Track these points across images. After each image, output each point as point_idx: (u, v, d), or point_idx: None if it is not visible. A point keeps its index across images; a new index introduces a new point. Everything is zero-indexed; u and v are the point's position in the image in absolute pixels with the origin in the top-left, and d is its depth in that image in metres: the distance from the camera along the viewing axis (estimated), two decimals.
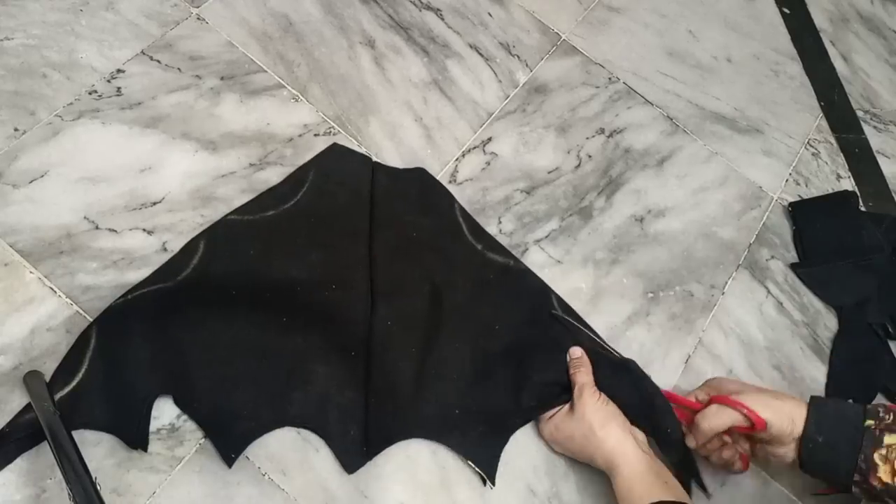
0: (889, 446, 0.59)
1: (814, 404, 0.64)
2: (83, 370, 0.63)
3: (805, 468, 0.65)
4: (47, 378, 0.62)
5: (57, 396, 0.61)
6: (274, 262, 0.72)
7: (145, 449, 0.62)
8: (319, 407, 0.67)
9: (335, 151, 0.81)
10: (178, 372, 0.65)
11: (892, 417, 0.61)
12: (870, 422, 0.61)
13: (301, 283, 0.72)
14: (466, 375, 0.72)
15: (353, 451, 0.66)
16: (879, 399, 0.83)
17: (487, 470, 0.68)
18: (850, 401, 0.65)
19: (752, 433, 0.66)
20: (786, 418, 0.63)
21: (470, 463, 0.69)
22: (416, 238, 0.78)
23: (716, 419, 0.65)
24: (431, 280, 0.76)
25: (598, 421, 0.66)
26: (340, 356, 0.69)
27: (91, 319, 0.66)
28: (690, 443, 0.69)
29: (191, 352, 0.66)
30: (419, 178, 0.82)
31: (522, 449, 0.71)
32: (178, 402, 0.64)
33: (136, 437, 0.62)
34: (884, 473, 0.59)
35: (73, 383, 0.62)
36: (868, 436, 0.60)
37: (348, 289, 0.72)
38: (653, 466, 0.64)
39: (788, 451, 0.65)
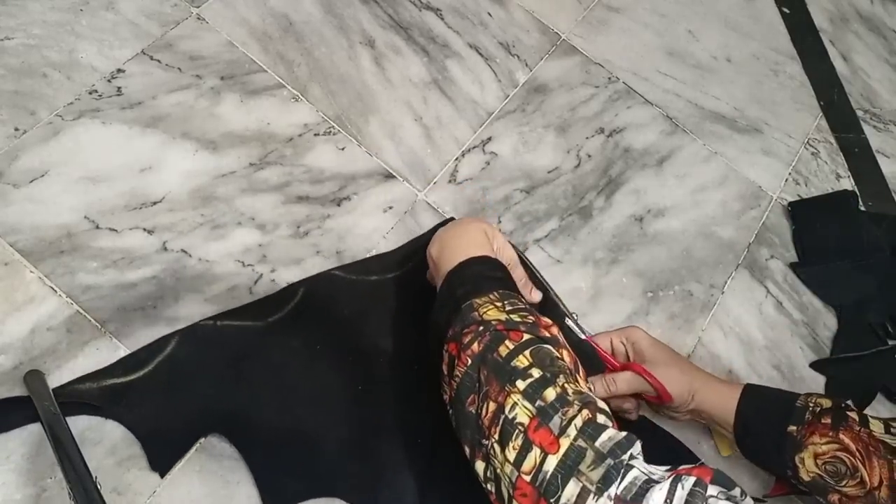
0: (806, 446, 0.63)
1: (742, 402, 0.67)
2: (145, 371, 0.64)
3: (748, 458, 0.69)
4: (58, 375, 0.62)
5: (108, 382, 0.62)
6: (365, 327, 0.71)
7: (163, 475, 0.61)
8: (372, 485, 0.65)
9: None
10: (245, 414, 0.65)
11: (811, 416, 0.64)
12: (792, 427, 0.64)
13: (386, 355, 0.71)
14: None
15: None
16: (879, 399, 0.84)
17: None
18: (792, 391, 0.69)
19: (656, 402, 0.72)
20: (686, 394, 0.68)
21: None
22: None
23: (628, 385, 0.69)
24: None
25: None
26: (406, 439, 0.68)
27: (91, 319, 0.66)
28: (601, 392, 0.70)
29: (263, 397, 0.66)
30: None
31: None
32: (236, 445, 0.64)
33: (163, 459, 0.61)
34: (803, 473, 0.63)
35: (132, 377, 0.63)
36: (790, 441, 0.63)
37: (430, 373, 0.70)
38: None
39: (681, 416, 0.72)
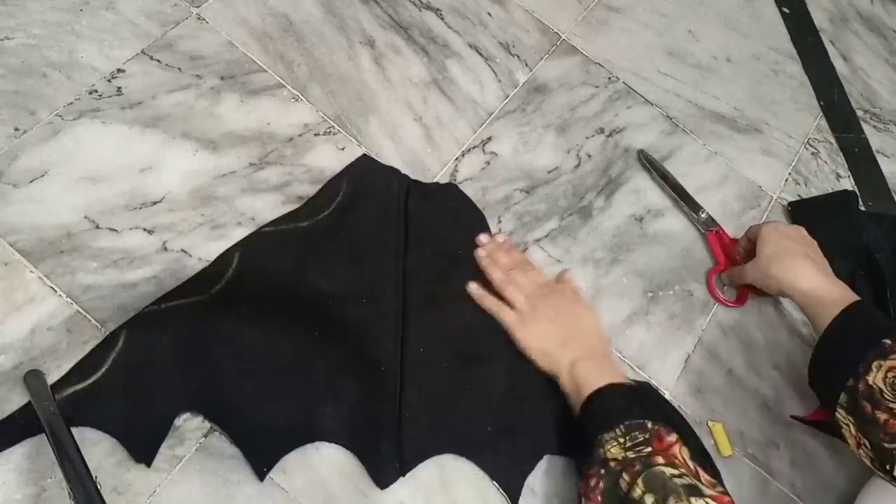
0: (889, 357, 0.65)
1: (851, 309, 0.70)
2: (103, 370, 0.63)
3: (814, 358, 0.71)
4: (57, 375, 0.62)
5: (68, 391, 0.61)
6: (306, 275, 0.72)
7: (149, 464, 0.61)
8: (352, 422, 0.66)
9: (365, 163, 0.81)
10: (211, 387, 0.65)
11: None
12: (887, 340, 0.66)
13: (333, 296, 0.71)
14: (499, 393, 0.71)
15: (387, 467, 0.65)
16: None
17: (512, 494, 0.68)
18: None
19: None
20: (775, 293, 0.80)
21: (496, 484, 0.68)
22: (450, 255, 0.77)
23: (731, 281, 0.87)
24: (464, 297, 0.75)
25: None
26: (371, 371, 0.69)
27: (91, 319, 0.66)
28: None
29: (223, 366, 0.66)
30: (452, 195, 0.82)
31: (551, 477, 0.70)
32: (209, 418, 0.64)
33: (144, 450, 0.61)
34: (869, 377, 0.64)
35: (89, 381, 0.62)
36: (879, 348, 0.65)
37: (379, 303, 0.72)
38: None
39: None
